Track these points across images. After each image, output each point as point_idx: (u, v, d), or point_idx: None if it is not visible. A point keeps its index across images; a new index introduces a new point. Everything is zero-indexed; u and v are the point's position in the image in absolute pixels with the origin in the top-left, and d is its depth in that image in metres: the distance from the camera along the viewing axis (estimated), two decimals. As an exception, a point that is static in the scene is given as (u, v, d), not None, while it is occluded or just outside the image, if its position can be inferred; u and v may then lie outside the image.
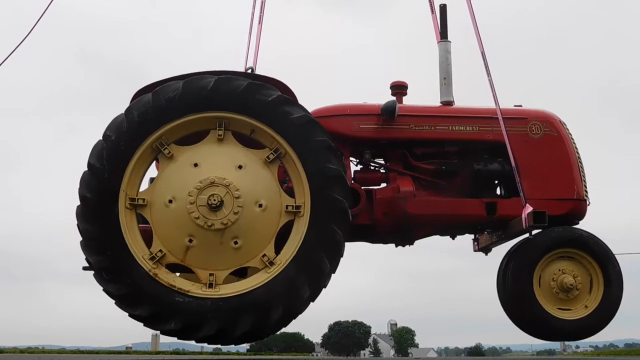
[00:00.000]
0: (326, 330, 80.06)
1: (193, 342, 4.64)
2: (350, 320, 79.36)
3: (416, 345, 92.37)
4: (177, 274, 4.37)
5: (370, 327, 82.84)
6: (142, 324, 4.22)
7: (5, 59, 5.71)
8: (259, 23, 5.98)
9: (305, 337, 78.01)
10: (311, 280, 4.16)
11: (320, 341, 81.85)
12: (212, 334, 4.12)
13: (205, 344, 4.82)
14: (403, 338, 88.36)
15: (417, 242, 5.31)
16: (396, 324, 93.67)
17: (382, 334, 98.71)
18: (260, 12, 6.05)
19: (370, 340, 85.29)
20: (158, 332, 4.39)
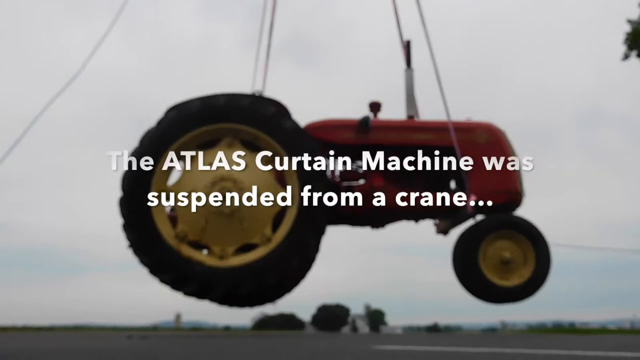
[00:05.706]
0: (315, 311, 79.81)
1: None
2: (334, 304, 79.12)
3: (385, 324, 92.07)
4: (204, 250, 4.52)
5: (349, 308, 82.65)
6: (169, 288, 4.38)
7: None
8: (269, 38, 6.04)
9: (298, 317, 77.76)
10: (299, 253, 4.35)
11: (310, 320, 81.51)
12: (221, 294, 4.30)
13: (219, 304, 4.96)
14: (376, 317, 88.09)
15: (387, 242, 5.39)
16: (370, 307, 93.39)
17: (359, 314, 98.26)
18: (269, 34, 6.08)
19: (350, 320, 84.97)
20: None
